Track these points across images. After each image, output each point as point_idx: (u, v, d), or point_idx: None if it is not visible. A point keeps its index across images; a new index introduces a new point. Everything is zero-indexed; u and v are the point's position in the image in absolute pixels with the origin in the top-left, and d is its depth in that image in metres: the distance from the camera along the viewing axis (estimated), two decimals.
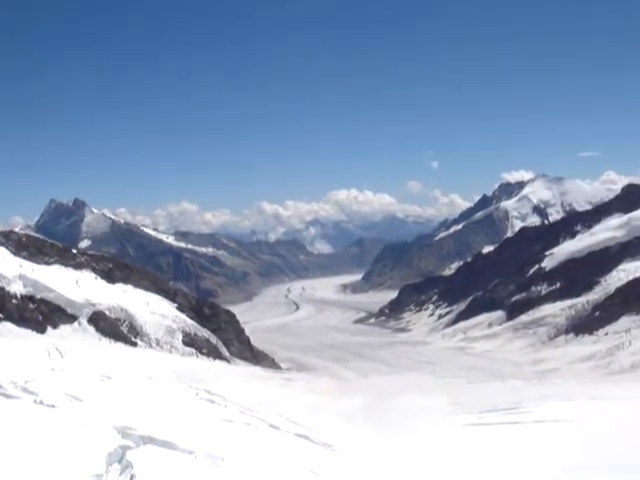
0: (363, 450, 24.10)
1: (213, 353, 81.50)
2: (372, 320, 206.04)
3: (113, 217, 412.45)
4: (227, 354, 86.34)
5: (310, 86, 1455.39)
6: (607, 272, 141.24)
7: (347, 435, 27.39)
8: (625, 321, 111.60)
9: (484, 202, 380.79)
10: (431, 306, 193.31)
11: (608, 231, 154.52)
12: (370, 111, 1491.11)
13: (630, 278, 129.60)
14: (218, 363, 76.68)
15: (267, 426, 21.52)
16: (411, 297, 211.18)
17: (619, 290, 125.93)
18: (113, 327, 76.92)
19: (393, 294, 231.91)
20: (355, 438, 27.03)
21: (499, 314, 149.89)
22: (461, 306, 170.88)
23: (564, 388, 57.11)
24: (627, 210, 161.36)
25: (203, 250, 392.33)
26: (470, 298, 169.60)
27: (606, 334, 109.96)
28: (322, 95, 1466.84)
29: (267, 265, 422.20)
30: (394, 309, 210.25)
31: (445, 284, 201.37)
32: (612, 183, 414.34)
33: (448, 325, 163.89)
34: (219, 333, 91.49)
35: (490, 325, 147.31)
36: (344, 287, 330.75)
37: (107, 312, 78.34)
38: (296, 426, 24.66)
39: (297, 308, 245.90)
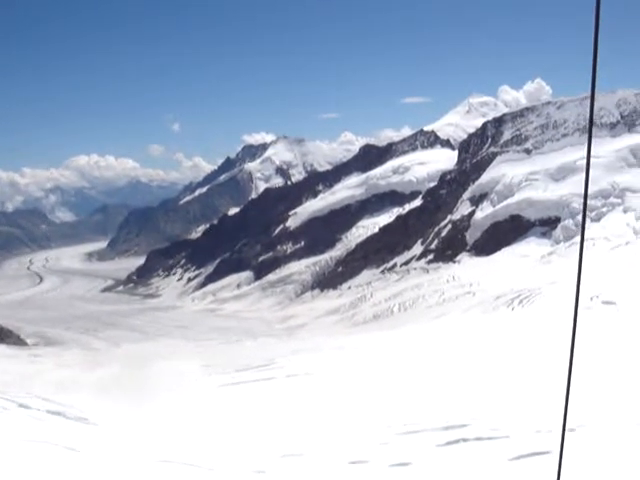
0: (120, 421, 23.60)
1: None
2: (120, 288, 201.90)
3: None
4: None
5: (51, 50, 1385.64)
6: (348, 229, 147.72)
7: (102, 407, 26.70)
8: (366, 275, 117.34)
9: (228, 164, 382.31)
10: (180, 270, 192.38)
11: (348, 190, 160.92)
12: (104, 75, 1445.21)
13: (369, 234, 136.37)
14: None
15: (16, 406, 20.49)
16: (159, 262, 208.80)
17: (359, 246, 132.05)
18: None
19: (140, 260, 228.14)
20: (111, 410, 26.40)
21: (247, 274, 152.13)
22: (209, 269, 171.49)
23: (313, 342, 59.24)
24: (364, 169, 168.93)
25: None
26: (218, 260, 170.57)
27: (349, 288, 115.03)
28: (59, 62, 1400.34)
29: (5, 237, 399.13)
30: (142, 275, 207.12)
31: (192, 247, 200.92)
32: (350, 143, 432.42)
33: (197, 288, 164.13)
34: None
35: (239, 286, 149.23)
36: (89, 256, 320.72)
37: None
38: (48, 403, 23.70)
39: (41, 280, 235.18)
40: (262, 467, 17.91)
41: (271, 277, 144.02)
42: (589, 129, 2.48)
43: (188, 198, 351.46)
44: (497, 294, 69.50)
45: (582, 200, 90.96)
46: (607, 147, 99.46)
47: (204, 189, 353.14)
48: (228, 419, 24.93)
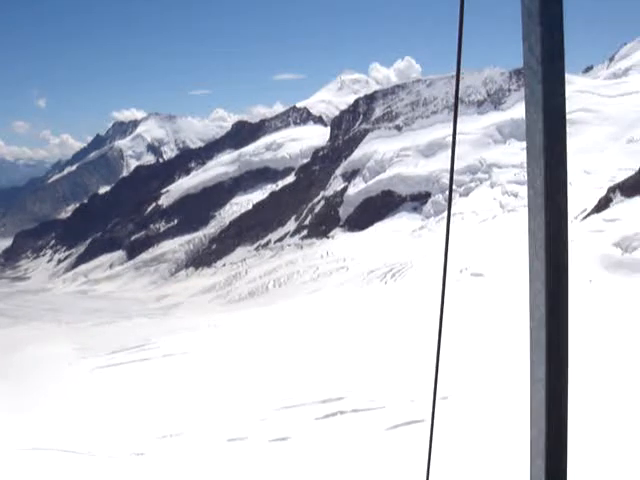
0: None
1: None
2: None
3: None
4: None
5: None
6: (221, 206, 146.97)
7: None
8: (241, 252, 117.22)
9: (98, 142, 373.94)
10: (49, 251, 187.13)
11: (221, 167, 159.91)
12: None
13: (243, 211, 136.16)
14: None
15: None
16: (27, 243, 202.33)
17: (233, 223, 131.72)
18: None
19: (7, 242, 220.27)
20: None
21: (120, 254, 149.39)
22: (80, 249, 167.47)
23: (188, 321, 58.85)
24: (237, 146, 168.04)
25: None
26: (89, 240, 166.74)
27: (224, 265, 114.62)
28: None
29: None
30: (9, 257, 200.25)
31: (62, 228, 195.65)
32: (222, 120, 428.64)
33: (68, 269, 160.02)
34: None
35: (111, 266, 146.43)
36: None
37: None
38: None
39: None
40: (141, 449, 17.76)
41: (144, 256, 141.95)
42: (455, 107, 2.53)
43: (57, 177, 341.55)
44: (370, 268, 70.71)
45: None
46: (474, 124, 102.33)
47: (73, 167, 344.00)
48: (104, 402, 24.54)
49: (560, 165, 1.33)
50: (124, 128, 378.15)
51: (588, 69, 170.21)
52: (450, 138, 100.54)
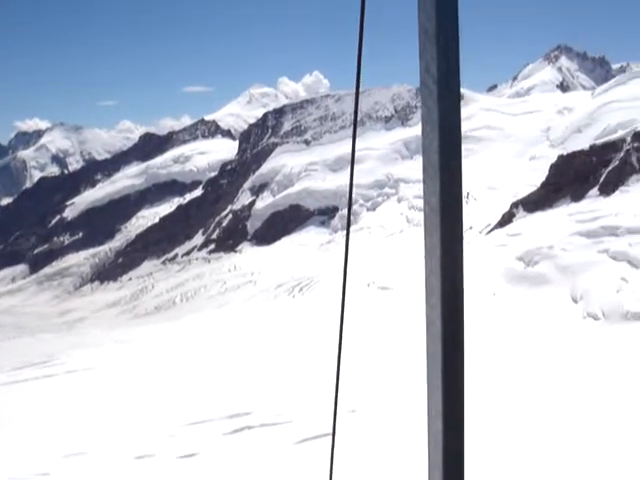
0: None
1: None
2: None
3: None
4: None
5: None
6: (128, 219, 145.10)
7: None
8: (147, 266, 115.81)
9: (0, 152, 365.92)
10: None
11: (128, 179, 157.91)
12: None
13: (149, 224, 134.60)
14: None
15: None
16: None
17: (140, 236, 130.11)
18: None
19: None
20: None
21: (22, 268, 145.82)
22: None
23: (93, 336, 57.77)
24: (144, 158, 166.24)
25: None
26: None
27: (130, 279, 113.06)
28: None
29: None
30: None
31: None
32: (129, 132, 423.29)
33: None
34: None
35: (13, 279, 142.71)
36: None
37: None
38: None
39: None
40: (46, 469, 17.30)
41: (48, 270, 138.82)
42: (354, 125, 2.58)
43: None
44: (278, 282, 70.83)
45: (358, 190, 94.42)
46: (382, 139, 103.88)
47: None
48: (5, 420, 23.81)
49: (456, 182, 1.34)
50: (27, 138, 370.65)
51: (492, 88, 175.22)
52: (358, 153, 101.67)
